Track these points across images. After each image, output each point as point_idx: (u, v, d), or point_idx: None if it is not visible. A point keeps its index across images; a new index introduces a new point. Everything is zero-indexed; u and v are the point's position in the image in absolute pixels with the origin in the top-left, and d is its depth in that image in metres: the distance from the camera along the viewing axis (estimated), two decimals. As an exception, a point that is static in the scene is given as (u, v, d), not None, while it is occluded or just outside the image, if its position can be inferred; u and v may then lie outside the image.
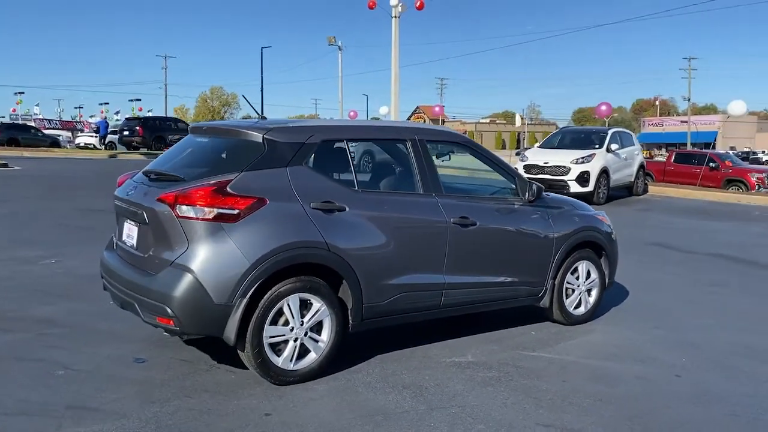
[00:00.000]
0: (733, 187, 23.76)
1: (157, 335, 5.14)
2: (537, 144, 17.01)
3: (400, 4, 28.05)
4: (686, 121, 71.02)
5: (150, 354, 4.83)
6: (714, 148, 70.94)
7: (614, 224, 6.36)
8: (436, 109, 38.99)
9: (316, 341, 4.40)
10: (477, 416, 3.95)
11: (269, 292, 4.16)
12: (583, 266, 5.91)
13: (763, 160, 53.19)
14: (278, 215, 4.23)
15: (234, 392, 4.19)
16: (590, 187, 14.61)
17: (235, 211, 4.09)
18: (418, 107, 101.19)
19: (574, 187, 14.45)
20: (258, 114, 5.21)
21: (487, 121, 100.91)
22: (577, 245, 5.80)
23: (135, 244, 4.48)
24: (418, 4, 27.81)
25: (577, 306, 5.93)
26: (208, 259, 4.02)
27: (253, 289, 4.08)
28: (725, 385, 4.62)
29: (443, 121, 52.87)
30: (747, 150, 64.42)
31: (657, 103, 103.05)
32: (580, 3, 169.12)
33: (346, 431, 3.72)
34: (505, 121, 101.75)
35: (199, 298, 4.00)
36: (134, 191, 4.54)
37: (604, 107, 21.30)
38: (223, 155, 4.62)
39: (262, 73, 54.84)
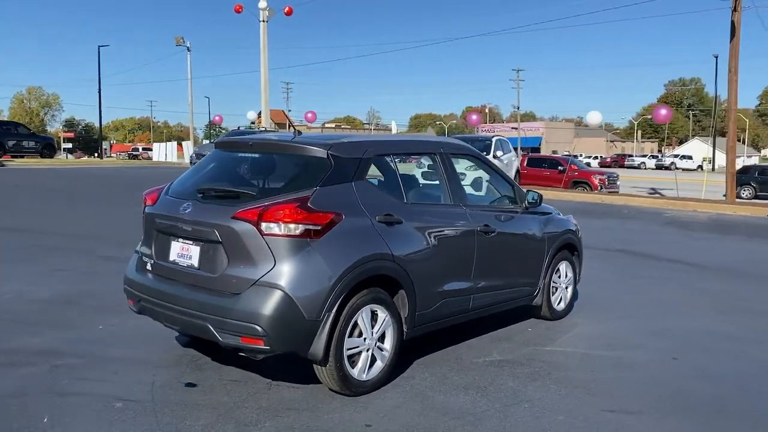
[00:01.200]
0: (579, 188, 26.45)
1: (183, 359, 4.97)
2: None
3: (269, 9, 27.85)
4: (516, 128, 76.97)
5: (195, 377, 4.65)
6: (539, 152, 77.54)
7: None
8: (309, 114, 38.75)
9: (381, 350, 4.53)
10: (550, 408, 4.32)
11: (348, 305, 4.24)
12: (563, 266, 6.52)
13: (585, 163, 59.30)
14: (353, 229, 4.32)
15: (317, 407, 4.21)
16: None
17: (319, 227, 4.12)
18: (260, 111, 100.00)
19: (470, 192, 15.36)
20: (294, 129, 5.18)
21: (333, 125, 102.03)
22: (560, 247, 6.40)
23: (196, 264, 4.32)
24: (287, 9, 27.80)
25: (559, 302, 6.53)
26: (297, 275, 4.02)
27: (338, 302, 4.14)
28: (718, 364, 5.40)
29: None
30: (567, 154, 71.39)
31: (487, 110, 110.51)
32: (418, 20, 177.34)
33: (450, 433, 3.92)
34: (349, 126, 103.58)
35: (292, 315, 3.99)
36: (191, 209, 4.38)
37: (664, 111, 20.72)
38: (287, 171, 4.59)
39: (99, 73, 51.00)
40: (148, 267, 4.67)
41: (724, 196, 22.45)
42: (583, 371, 5.06)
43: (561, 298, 6.53)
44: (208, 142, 34.06)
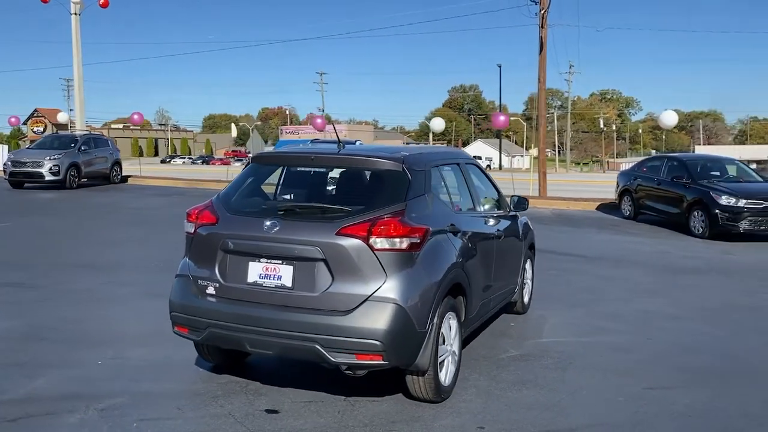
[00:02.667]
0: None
1: (230, 386, 4.73)
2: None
3: (81, 1, 25.44)
4: (322, 130, 78.18)
5: (267, 403, 4.43)
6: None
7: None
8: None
9: (454, 354, 4.71)
10: (604, 391, 4.83)
11: (439, 314, 4.37)
12: (528, 264, 7.13)
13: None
14: (438, 241, 4.45)
15: (418, 417, 4.28)
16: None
17: (418, 240, 4.20)
18: (36, 110, 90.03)
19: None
20: (338, 141, 5.06)
21: (120, 126, 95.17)
22: (528, 246, 7.00)
23: (288, 284, 4.15)
24: (102, 1, 25.64)
25: (527, 297, 7.13)
26: (407, 288, 4.07)
27: (438, 312, 4.26)
28: (684, 338, 6.33)
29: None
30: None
31: (287, 112, 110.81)
32: (212, 19, 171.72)
33: (552, 425, 4.25)
34: (139, 127, 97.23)
35: (406, 328, 4.03)
36: (279, 227, 4.18)
37: (502, 117, 21.37)
38: (364, 185, 4.56)
39: None
40: (211, 291, 4.36)
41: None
42: (593, 357, 5.65)
43: (527, 293, 7.14)
44: (29, 147, 29.62)
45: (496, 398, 4.65)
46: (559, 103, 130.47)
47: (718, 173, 13.87)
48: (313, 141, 18.70)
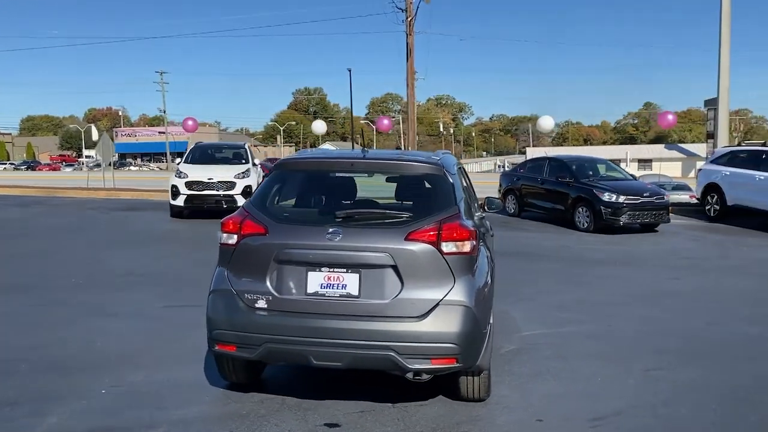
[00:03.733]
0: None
1: (267, 402, 4.55)
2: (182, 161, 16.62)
3: None
4: (164, 132, 74.63)
5: (320, 418, 4.30)
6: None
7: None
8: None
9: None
10: (614, 375, 5.22)
11: (492, 313, 4.48)
12: (488, 261, 7.46)
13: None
14: (480, 242, 4.57)
15: (475, 416, 4.38)
16: (252, 200, 15.55)
17: (475, 242, 4.29)
18: None
19: (241, 201, 15.15)
20: (362, 144, 4.98)
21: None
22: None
23: (355, 292, 4.05)
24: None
25: (489, 293, 7.45)
26: (473, 290, 4.14)
27: (492, 311, 4.38)
28: (659, 323, 6.95)
29: None
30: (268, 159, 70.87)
31: (120, 113, 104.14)
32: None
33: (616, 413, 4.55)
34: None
35: (476, 330, 4.11)
36: (341, 235, 4.07)
37: (386, 121, 20.96)
38: (410, 190, 4.54)
39: None
40: (262, 304, 4.14)
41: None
42: (578, 346, 6.05)
43: (489, 290, 7.46)
44: None
45: (528, 392, 4.86)
46: (399, 107, 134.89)
47: (591, 172, 15.24)
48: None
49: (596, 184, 14.26)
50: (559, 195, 14.84)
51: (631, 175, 16.00)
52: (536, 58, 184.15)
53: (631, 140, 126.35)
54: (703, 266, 10.59)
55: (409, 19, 25.95)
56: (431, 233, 4.08)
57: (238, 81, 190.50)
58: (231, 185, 15.14)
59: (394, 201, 4.68)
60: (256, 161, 16.93)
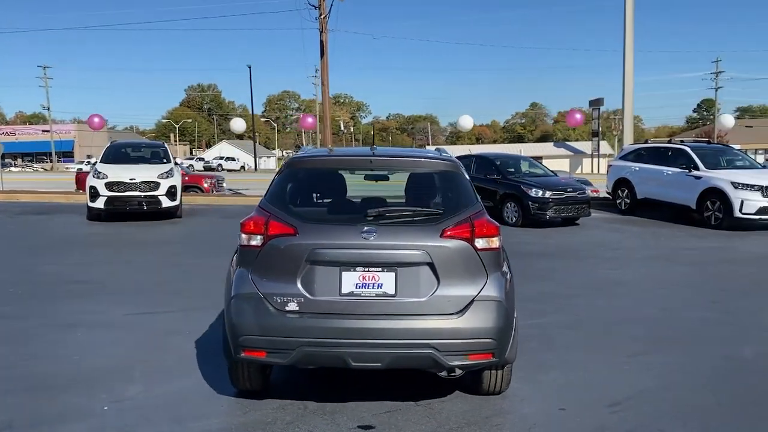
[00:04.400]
0: (191, 192, 26.63)
1: (291, 407, 4.46)
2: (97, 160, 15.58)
3: None
4: (48, 131, 70.06)
5: (350, 422, 4.23)
6: (73, 156, 72.45)
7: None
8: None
9: None
10: (607, 362, 5.46)
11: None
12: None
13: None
14: None
15: (501, 409, 4.46)
16: (178, 201, 14.90)
17: (501, 238, 4.35)
18: None
19: (166, 202, 14.51)
20: (371, 144, 4.89)
21: None
22: None
23: (391, 291, 4.00)
24: None
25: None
26: (503, 286, 4.20)
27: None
28: (603, 313, 7.30)
29: None
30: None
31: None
32: None
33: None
34: None
35: (508, 324, 4.17)
36: (376, 233, 4.01)
37: (310, 119, 20.62)
38: (432, 187, 4.52)
39: None
40: (293, 307, 4.00)
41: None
42: (558, 337, 6.23)
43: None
44: None
45: (537, 384, 4.97)
46: (297, 105, 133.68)
47: (514, 169, 15.81)
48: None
49: (523, 181, 14.81)
50: (487, 191, 15.25)
51: (552, 171, 16.73)
52: (432, 58, 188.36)
53: (520, 138, 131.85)
54: (634, 256, 11.26)
55: (322, 17, 25.79)
56: (465, 230, 4.10)
57: (124, 77, 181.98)
58: (155, 186, 14.47)
59: (420, 198, 4.64)
60: (178, 160, 16.25)
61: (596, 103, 48.74)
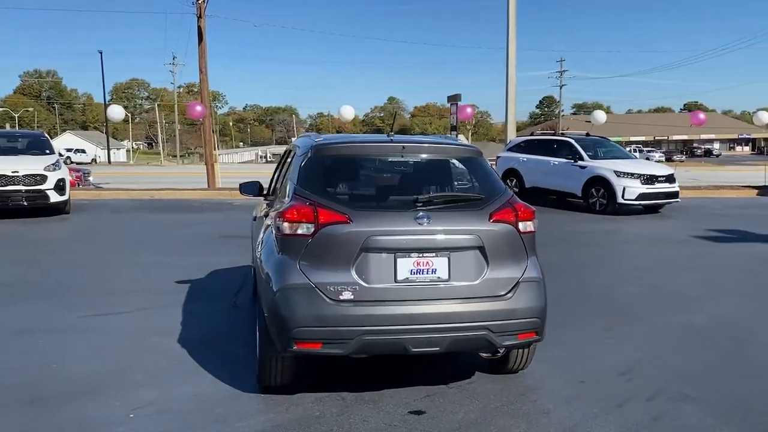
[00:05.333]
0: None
1: (329, 399, 4.41)
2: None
3: None
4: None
5: (400, 409, 4.21)
6: None
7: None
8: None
9: None
10: (597, 337, 5.85)
11: None
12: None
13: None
14: None
15: (529, 386, 4.64)
16: (67, 195, 13.69)
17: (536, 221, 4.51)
18: None
19: (54, 197, 13.28)
20: (390, 131, 4.79)
21: None
22: None
23: (445, 276, 4.04)
24: None
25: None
26: (539, 266, 4.38)
27: None
28: (577, 290, 7.72)
29: None
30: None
31: None
32: None
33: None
34: None
35: (546, 303, 4.35)
36: (429, 219, 4.02)
37: (198, 108, 18.66)
38: (462, 173, 4.56)
39: None
40: (347, 296, 3.92)
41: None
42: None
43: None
44: None
45: (547, 361, 5.08)
46: (146, 94, 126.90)
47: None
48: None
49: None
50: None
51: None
52: (292, 49, 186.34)
53: (378, 132, 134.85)
54: (544, 241, 11.97)
55: (199, 2, 24.69)
56: (510, 213, 4.23)
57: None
58: (42, 179, 13.21)
59: (449, 185, 4.67)
60: (62, 151, 14.93)
61: (454, 99, 50.96)
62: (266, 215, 4.98)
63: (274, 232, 4.24)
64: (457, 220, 4.13)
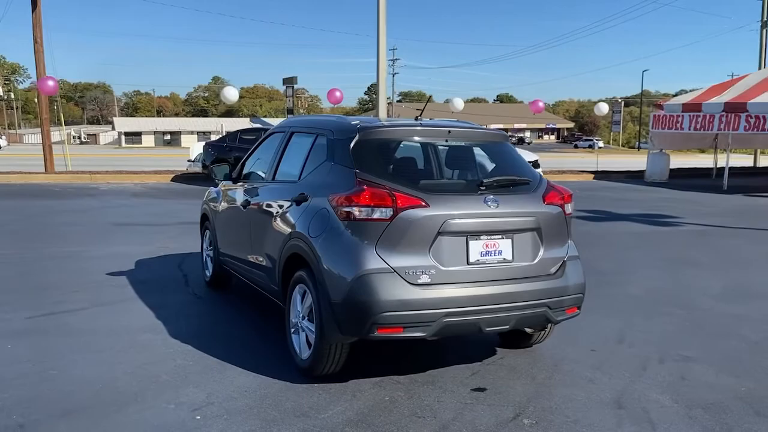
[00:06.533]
0: None
1: (383, 384, 4.42)
2: None
3: None
4: None
5: (455, 386, 4.31)
6: None
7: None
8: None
9: None
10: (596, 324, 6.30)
11: None
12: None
13: None
14: None
15: (562, 357, 4.93)
16: None
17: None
18: None
19: None
20: (419, 116, 4.73)
21: None
22: None
23: (509, 257, 4.20)
24: None
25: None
26: (574, 246, 4.68)
27: None
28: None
29: None
30: None
31: None
32: None
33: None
34: None
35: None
36: (497, 203, 4.15)
37: (51, 83, 16.21)
38: (499, 157, 4.71)
39: None
40: (425, 279, 3.94)
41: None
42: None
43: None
44: None
45: (551, 334, 5.43)
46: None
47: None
48: None
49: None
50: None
51: None
52: (104, 19, 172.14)
53: (203, 113, 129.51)
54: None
55: (33, -35, 22.11)
56: (558, 197, 4.47)
57: None
58: None
59: (503, 167, 4.73)
60: None
61: (289, 81, 50.52)
62: (253, 202, 5.26)
63: (336, 216, 4.09)
64: (519, 203, 4.30)
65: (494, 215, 4.16)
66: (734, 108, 19.84)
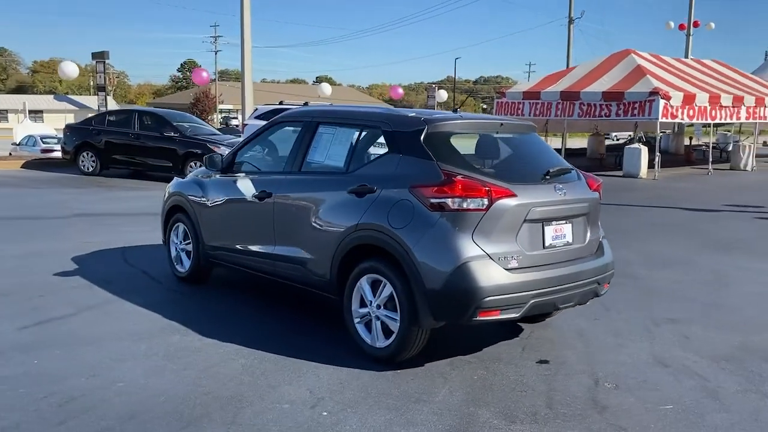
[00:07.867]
0: None
1: (443, 367, 4.70)
2: None
3: None
4: None
5: (521, 359, 4.66)
6: None
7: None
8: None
9: None
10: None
11: None
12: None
13: None
14: None
15: (582, 331, 5.46)
16: None
17: None
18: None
19: None
20: (455, 109, 4.87)
21: None
22: None
23: (570, 240, 4.63)
24: None
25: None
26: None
27: None
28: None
29: None
30: None
31: None
32: None
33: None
34: None
35: None
36: (566, 190, 4.56)
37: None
38: (536, 148, 5.03)
39: None
40: (513, 264, 4.24)
41: None
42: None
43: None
44: None
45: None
46: None
47: (187, 125, 15.24)
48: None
49: (207, 138, 14.48)
50: (163, 150, 14.35)
51: (219, 128, 16.64)
52: None
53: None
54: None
55: None
56: (596, 183, 4.96)
57: None
58: None
59: (541, 157, 5.00)
60: None
61: (100, 56, 46.37)
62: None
63: (423, 206, 4.20)
64: (578, 191, 4.74)
65: (564, 202, 4.55)
66: (568, 96, 22.16)
